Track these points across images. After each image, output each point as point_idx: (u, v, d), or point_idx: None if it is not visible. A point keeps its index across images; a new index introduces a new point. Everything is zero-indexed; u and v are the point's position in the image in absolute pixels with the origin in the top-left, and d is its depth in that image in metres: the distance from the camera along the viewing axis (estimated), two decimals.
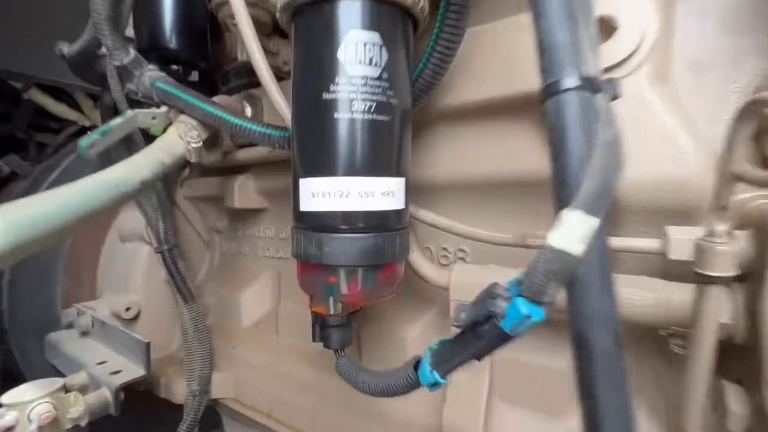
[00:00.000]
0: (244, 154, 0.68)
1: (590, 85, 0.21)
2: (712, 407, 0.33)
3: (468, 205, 0.51)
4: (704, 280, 0.28)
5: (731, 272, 0.27)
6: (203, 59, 0.70)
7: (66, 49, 0.59)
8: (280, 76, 0.64)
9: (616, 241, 0.36)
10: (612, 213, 0.39)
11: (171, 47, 0.64)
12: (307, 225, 0.35)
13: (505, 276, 0.42)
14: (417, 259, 0.48)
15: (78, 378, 0.62)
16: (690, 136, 0.34)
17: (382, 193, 0.34)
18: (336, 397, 0.60)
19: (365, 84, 0.33)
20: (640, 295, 0.35)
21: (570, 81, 0.20)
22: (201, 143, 0.50)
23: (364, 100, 0.33)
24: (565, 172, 0.20)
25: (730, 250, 0.27)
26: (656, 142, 0.35)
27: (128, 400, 0.62)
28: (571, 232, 0.19)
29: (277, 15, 0.36)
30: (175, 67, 0.67)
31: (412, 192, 0.44)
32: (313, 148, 0.34)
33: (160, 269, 0.80)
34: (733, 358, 0.32)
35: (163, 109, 0.53)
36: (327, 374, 0.63)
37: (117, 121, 0.47)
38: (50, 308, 0.81)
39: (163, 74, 0.54)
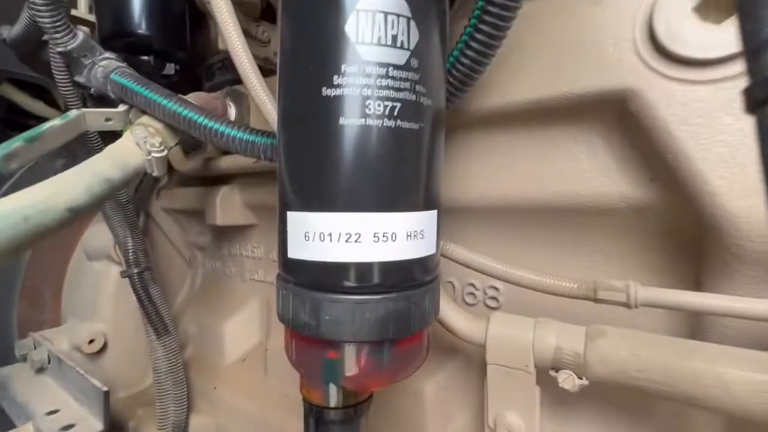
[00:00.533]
0: (228, 162, 0.57)
1: None
2: None
3: (507, 234, 0.40)
4: None
5: None
6: (181, 48, 0.59)
7: (6, 34, 0.47)
8: (270, 70, 0.53)
9: (737, 305, 0.25)
10: (707, 254, 0.28)
11: (140, 33, 0.53)
12: (297, 279, 0.24)
13: (565, 336, 0.31)
14: (452, 311, 0.37)
15: None
16: None
17: (407, 235, 0.24)
18: None
19: (386, 75, 0.22)
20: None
21: None
22: (166, 152, 0.39)
23: (384, 98, 0.22)
24: None
25: None
26: None
27: None
28: None
29: None
30: (145, 57, 0.56)
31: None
32: (307, 168, 0.23)
33: (131, 293, 0.69)
34: None
35: (122, 108, 0.42)
36: None
37: (53, 123, 0.36)
38: (3, 336, 0.70)
39: (120, 64, 0.43)
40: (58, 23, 0.38)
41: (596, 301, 0.30)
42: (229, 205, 0.61)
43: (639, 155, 0.32)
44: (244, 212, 0.63)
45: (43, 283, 0.74)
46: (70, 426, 0.51)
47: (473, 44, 0.28)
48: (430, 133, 0.25)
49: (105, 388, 0.51)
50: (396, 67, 0.22)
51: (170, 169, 0.63)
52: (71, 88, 0.45)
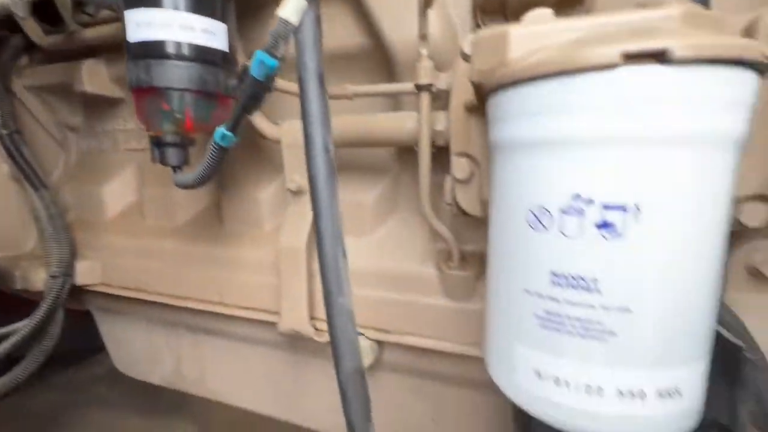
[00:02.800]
0: (91, 34, 0.67)
1: None
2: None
3: None
4: (418, 90, 0.43)
5: (430, 80, 0.43)
6: None
7: None
8: None
9: (388, 86, 0.50)
10: (393, 70, 0.53)
11: None
12: (137, 54, 0.42)
13: None
14: (258, 118, 0.58)
15: None
16: None
17: (202, 30, 0.43)
18: (199, 257, 0.69)
19: None
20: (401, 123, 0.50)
21: None
22: None
23: None
24: None
25: (429, 65, 0.42)
26: None
27: None
28: (291, 7, 0.30)
29: None
30: None
31: None
32: None
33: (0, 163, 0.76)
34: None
35: None
36: (190, 242, 0.71)
37: None
38: None
39: None
40: None
41: (347, 97, 0.53)
42: (95, 76, 0.72)
43: (360, 11, 0.54)
44: (112, 85, 0.74)
45: None
46: None
47: None
48: None
49: None
50: None
51: (32, 46, 0.71)
52: None
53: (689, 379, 0.23)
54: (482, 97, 0.31)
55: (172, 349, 0.82)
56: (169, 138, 0.45)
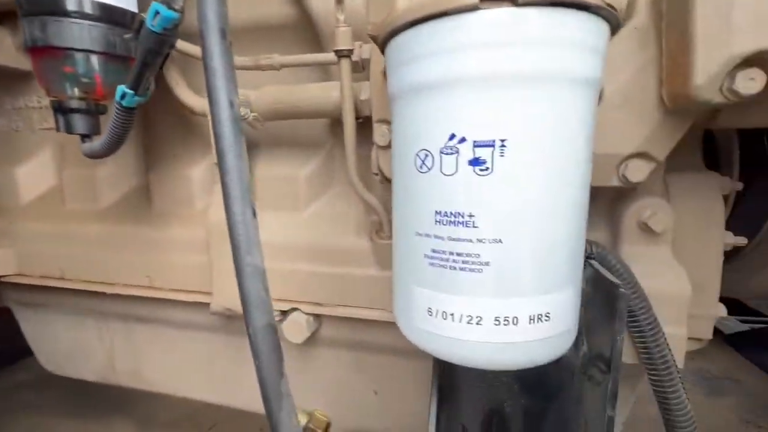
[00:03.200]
0: None
1: None
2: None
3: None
4: (338, 57, 0.44)
5: (350, 45, 0.43)
6: None
7: None
8: None
9: (312, 56, 0.50)
10: (321, 42, 0.53)
11: None
12: (30, 9, 0.39)
13: (247, 96, 0.53)
14: (184, 92, 0.55)
15: None
16: None
17: None
18: (126, 240, 0.66)
19: None
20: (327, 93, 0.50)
21: None
22: None
23: None
24: None
25: (347, 31, 0.43)
26: None
27: None
28: None
29: None
30: None
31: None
32: None
33: None
34: None
35: None
36: (116, 224, 0.67)
37: None
38: None
39: None
40: None
41: (260, 69, 0.52)
42: (2, 48, 0.65)
43: None
44: (19, 57, 0.68)
45: None
46: None
47: None
48: None
49: None
50: None
51: None
52: None
53: (558, 304, 0.25)
54: (382, 52, 0.31)
55: (103, 342, 0.77)
56: (74, 104, 0.42)
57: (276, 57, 0.51)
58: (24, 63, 0.69)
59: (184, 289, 0.63)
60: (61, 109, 0.42)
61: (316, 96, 0.50)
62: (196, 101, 0.56)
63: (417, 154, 0.25)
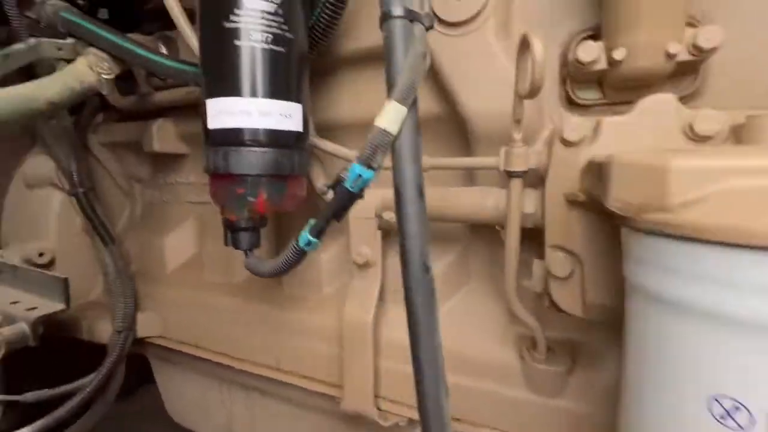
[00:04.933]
0: (162, 97, 0.70)
1: (410, 15, 0.29)
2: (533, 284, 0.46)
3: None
4: (509, 176, 0.39)
5: (524, 167, 0.38)
6: None
7: None
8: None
9: (469, 161, 0.47)
10: (469, 138, 0.50)
11: None
12: (215, 141, 0.41)
13: (387, 194, 0.51)
14: (323, 184, 0.56)
15: None
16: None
17: (279, 114, 0.41)
18: (257, 318, 0.68)
19: (262, 17, 0.39)
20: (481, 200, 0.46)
21: (396, 10, 0.29)
22: (113, 76, 0.52)
23: (261, 31, 0.39)
24: (391, 74, 0.29)
25: (523, 152, 0.38)
26: (499, 84, 0.46)
27: (50, 348, 0.63)
28: (391, 117, 0.28)
29: None
30: (81, 1, 0.66)
31: (321, 132, 0.52)
32: (217, 70, 0.40)
33: (74, 216, 0.80)
34: (540, 241, 0.44)
35: (70, 40, 0.54)
36: (248, 301, 0.70)
37: (18, 46, 0.48)
38: None
39: (67, 4, 0.54)
40: None
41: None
42: (164, 135, 0.74)
43: (438, 83, 0.52)
44: (178, 142, 0.76)
45: None
46: (34, 308, 0.64)
47: (328, 3, 0.45)
48: (296, 56, 0.42)
49: (64, 276, 0.64)
50: (268, 12, 0.39)
51: (107, 105, 0.74)
52: (20, 21, 0.55)
53: None
54: (616, 219, 0.26)
55: (224, 405, 0.81)
56: (243, 223, 0.43)
57: (425, 158, 0.49)
58: (181, 147, 0.77)
59: (312, 377, 0.63)
60: (231, 227, 0.44)
61: (471, 204, 0.47)
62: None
63: (715, 399, 0.19)
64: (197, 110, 0.70)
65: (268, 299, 0.68)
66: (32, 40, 0.50)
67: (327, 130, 0.58)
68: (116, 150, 0.84)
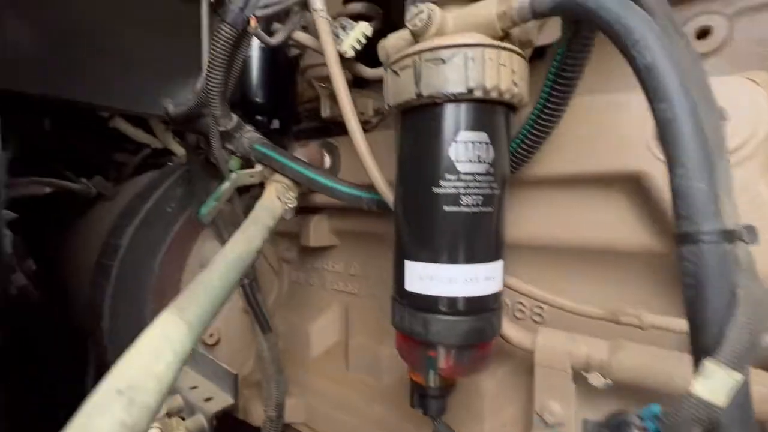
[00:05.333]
0: (320, 198, 0.73)
1: (729, 236, 0.22)
2: None
3: (550, 267, 0.52)
4: None
5: None
6: (284, 108, 0.75)
7: (171, 108, 0.66)
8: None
9: None
10: None
11: (258, 101, 0.70)
12: (412, 304, 0.39)
13: (594, 348, 0.43)
14: (506, 324, 0.50)
15: (175, 402, 0.69)
16: None
17: (485, 278, 0.37)
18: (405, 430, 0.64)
19: (473, 180, 0.36)
20: None
21: (709, 232, 0.22)
22: (296, 204, 0.55)
23: (472, 194, 0.36)
24: (704, 321, 0.22)
25: None
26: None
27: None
28: (717, 384, 0.20)
29: (386, 107, 0.40)
30: (260, 117, 0.73)
31: None
32: (421, 235, 0.38)
33: (237, 299, 0.87)
34: None
35: (259, 168, 0.58)
36: (398, 413, 0.66)
37: (225, 185, 0.53)
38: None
39: (259, 136, 0.59)
40: (224, 112, 0.55)
41: (618, 323, 0.42)
42: (319, 230, 0.77)
43: (654, 214, 0.43)
44: (330, 236, 0.79)
45: (165, 285, 0.94)
46: (209, 398, 0.69)
47: (530, 134, 0.41)
48: (498, 211, 0.38)
49: (235, 372, 0.68)
50: (480, 174, 0.36)
51: None
52: (222, 151, 0.62)
53: None
54: None
55: None
56: (433, 391, 0.40)
57: (644, 315, 0.40)
58: (332, 240, 0.79)
59: None
60: (420, 390, 0.41)
61: None
62: (516, 332, 0.50)
63: None
64: (347, 209, 0.73)
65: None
66: (233, 176, 0.55)
67: None
68: (272, 236, 0.91)
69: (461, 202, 0.36)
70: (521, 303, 0.57)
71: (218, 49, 0.49)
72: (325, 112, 0.64)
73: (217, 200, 0.50)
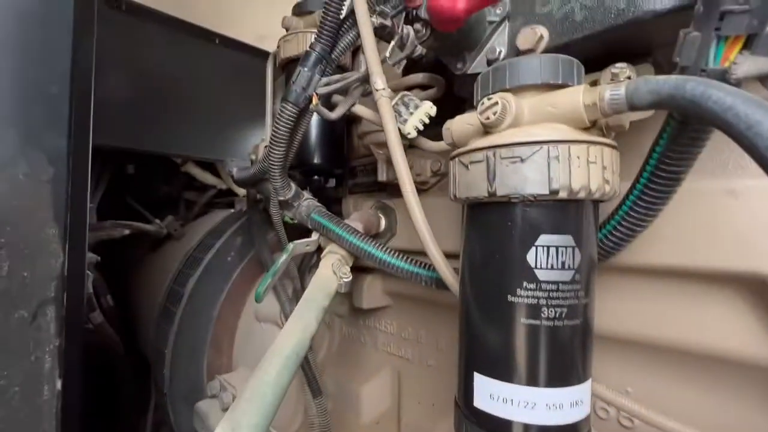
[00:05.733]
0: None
1: None
2: None
3: (643, 370, 0.44)
4: None
5: None
6: (339, 167, 0.76)
7: (235, 172, 0.68)
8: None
9: None
10: None
11: (315, 162, 0.71)
12: (482, 424, 0.34)
13: None
14: None
15: None
16: None
17: (571, 404, 0.31)
18: None
19: (557, 290, 0.31)
20: None
21: None
22: (350, 278, 0.53)
23: (555, 306, 0.31)
24: None
25: None
26: None
27: None
28: None
29: (451, 197, 0.37)
30: (316, 177, 0.74)
31: None
32: (492, 347, 0.33)
33: None
34: None
35: (315, 237, 0.58)
36: None
37: (282, 258, 0.52)
38: (198, 377, 0.93)
39: (316, 204, 0.59)
40: (284, 183, 0.56)
41: None
42: (372, 292, 0.74)
43: None
44: (383, 297, 0.76)
45: (222, 335, 0.96)
46: None
47: (623, 224, 0.35)
48: (586, 323, 0.32)
49: None
50: (564, 282, 0.31)
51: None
52: (279, 220, 0.62)
53: None
54: None
55: None
56: None
57: None
58: (386, 301, 0.76)
59: None
60: None
61: None
62: None
63: None
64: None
65: None
66: (290, 246, 0.55)
67: None
68: None
69: (543, 315, 0.31)
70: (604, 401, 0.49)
71: (281, 126, 0.49)
72: (382, 176, 0.62)
73: (273, 275, 0.49)
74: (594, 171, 0.30)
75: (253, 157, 0.78)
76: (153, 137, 1.29)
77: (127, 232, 1.32)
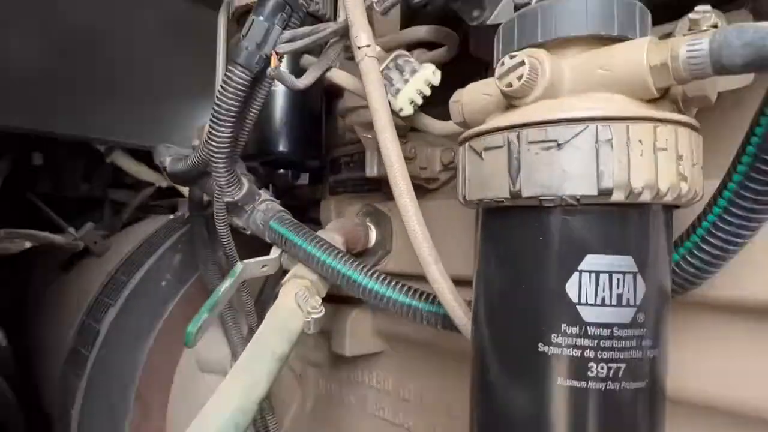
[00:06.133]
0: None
1: None
2: None
3: None
4: None
5: None
6: (315, 158, 0.74)
7: (168, 163, 0.67)
8: (416, 184, 0.64)
9: None
10: None
11: (279, 150, 0.69)
12: None
13: None
14: None
15: None
16: None
17: None
18: None
19: (611, 336, 0.28)
20: None
21: None
22: (323, 312, 0.51)
23: (608, 361, 0.28)
24: None
25: None
26: None
27: None
28: None
29: (460, 200, 0.35)
30: (282, 171, 0.72)
31: None
32: (518, 420, 0.31)
33: None
34: None
35: (275, 254, 0.56)
36: None
37: (226, 284, 0.50)
38: None
39: (278, 209, 0.57)
40: (232, 180, 0.54)
41: None
42: (359, 332, 0.72)
43: None
44: (375, 340, 0.73)
45: (151, 390, 0.94)
46: None
47: (706, 244, 0.33)
48: (655, 384, 0.30)
49: None
50: (621, 325, 0.29)
51: None
52: (226, 229, 0.60)
53: None
54: None
55: None
56: None
57: None
58: (379, 346, 0.74)
59: None
60: None
61: None
62: None
63: None
64: None
65: None
66: (237, 267, 0.53)
67: None
68: None
69: (590, 374, 0.28)
70: None
71: (226, 99, 0.48)
72: (371, 170, 0.60)
73: (210, 311, 0.47)
74: (664, 162, 0.28)
75: (197, 142, 0.77)
76: (67, 117, 1.28)
77: (28, 245, 1.31)
